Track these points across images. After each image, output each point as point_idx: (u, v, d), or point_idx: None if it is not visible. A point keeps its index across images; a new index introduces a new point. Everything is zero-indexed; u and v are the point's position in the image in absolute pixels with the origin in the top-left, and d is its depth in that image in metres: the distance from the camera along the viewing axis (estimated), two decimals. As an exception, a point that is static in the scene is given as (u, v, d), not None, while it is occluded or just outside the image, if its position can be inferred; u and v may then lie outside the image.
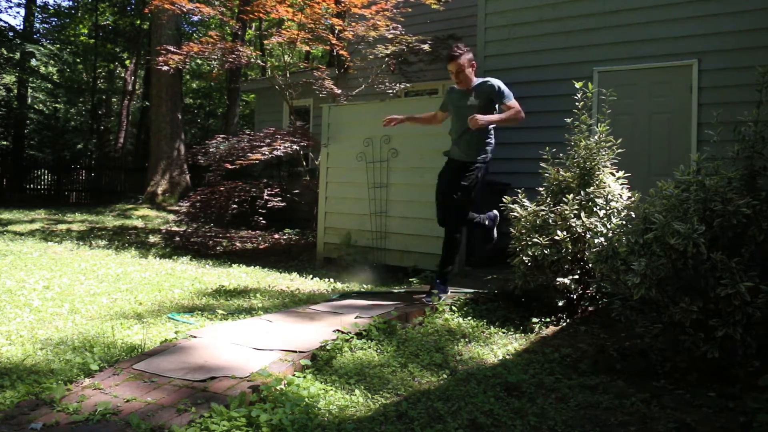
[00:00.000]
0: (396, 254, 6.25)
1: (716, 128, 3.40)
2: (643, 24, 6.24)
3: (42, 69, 24.91)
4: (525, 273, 4.28)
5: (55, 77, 25.15)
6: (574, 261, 4.20)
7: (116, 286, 5.24)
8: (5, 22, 24.42)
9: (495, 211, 4.81)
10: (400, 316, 4.01)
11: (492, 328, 4.07)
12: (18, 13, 40.64)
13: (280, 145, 7.62)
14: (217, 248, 8.09)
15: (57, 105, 25.53)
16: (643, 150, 6.13)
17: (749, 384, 2.84)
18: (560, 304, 4.23)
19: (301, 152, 8.54)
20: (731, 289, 2.82)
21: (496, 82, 4.42)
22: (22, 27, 21.67)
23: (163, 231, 9.17)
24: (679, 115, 6.05)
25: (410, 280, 5.51)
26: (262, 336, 3.49)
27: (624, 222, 4.09)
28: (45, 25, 24.53)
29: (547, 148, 4.63)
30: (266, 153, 7.55)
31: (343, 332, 3.52)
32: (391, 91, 9.26)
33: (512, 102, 4.39)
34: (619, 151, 4.41)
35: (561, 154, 4.57)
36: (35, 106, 24.24)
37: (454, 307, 4.39)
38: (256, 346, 3.28)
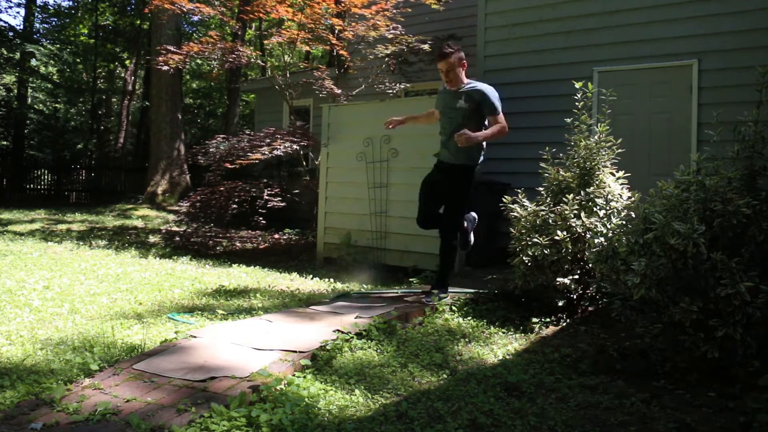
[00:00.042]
0: (396, 254, 6.25)
1: (716, 128, 3.40)
2: (643, 24, 6.24)
3: (42, 69, 24.91)
4: (525, 273, 4.28)
5: (55, 77, 25.15)
6: (574, 261, 4.20)
7: (116, 286, 5.24)
8: (5, 22, 24.44)
9: (474, 213, 4.70)
10: (400, 316, 4.01)
11: (492, 328, 4.07)
12: (18, 13, 40.66)
13: (280, 145, 7.62)
14: (217, 248, 8.09)
15: (57, 105, 25.54)
16: (643, 150, 6.13)
17: (749, 384, 2.84)
18: (560, 304, 4.23)
19: (301, 152, 8.55)
20: (731, 289, 2.82)
21: (488, 91, 4.31)
22: (22, 27, 21.67)
23: (163, 231, 9.17)
24: (679, 115, 6.04)
25: (410, 280, 5.51)
26: (262, 336, 3.49)
27: (624, 222, 4.09)
28: (45, 25, 24.57)
29: (547, 148, 4.63)
30: (266, 153, 7.55)
31: (343, 332, 3.52)
32: (391, 91, 9.26)
33: (500, 117, 4.28)
34: (619, 151, 4.41)
35: (561, 154, 4.57)
36: (35, 106, 24.24)
37: (454, 307, 4.39)
38: (256, 346, 3.28)
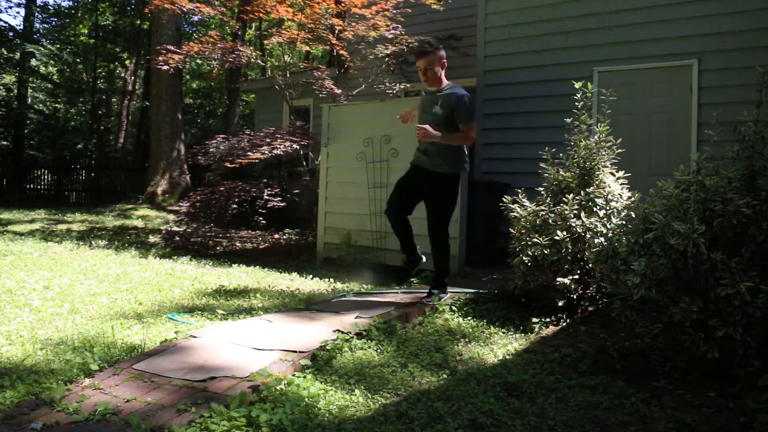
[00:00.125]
0: (396, 254, 6.23)
1: (716, 128, 3.40)
2: (643, 24, 6.25)
3: (42, 69, 24.92)
4: (525, 273, 4.28)
5: (55, 77, 25.16)
6: (574, 261, 4.20)
7: (116, 286, 5.24)
8: (5, 22, 24.46)
9: (423, 257, 4.63)
10: (400, 316, 4.01)
11: (492, 328, 4.07)
12: (18, 13, 40.70)
13: (280, 145, 7.62)
14: (217, 248, 8.09)
15: (57, 105, 25.55)
16: (643, 150, 6.13)
17: (749, 384, 2.84)
18: (560, 304, 4.23)
19: (301, 152, 8.55)
20: (731, 289, 2.81)
21: (462, 95, 4.22)
22: (22, 27, 21.70)
23: (163, 231, 9.16)
24: (679, 115, 6.05)
25: (410, 280, 5.51)
26: (262, 336, 3.49)
27: (624, 222, 4.09)
28: (45, 25, 24.59)
29: (547, 148, 4.63)
30: (266, 152, 7.55)
31: (343, 332, 3.52)
32: (391, 91, 9.26)
33: (470, 126, 4.22)
34: (619, 151, 4.41)
35: (561, 154, 4.57)
36: (35, 106, 24.26)
37: (454, 307, 4.39)
38: (256, 346, 3.28)
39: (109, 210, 13.76)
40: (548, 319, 4.17)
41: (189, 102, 26.91)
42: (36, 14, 22.96)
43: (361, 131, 6.49)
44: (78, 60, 24.65)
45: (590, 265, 4.04)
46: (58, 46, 22.75)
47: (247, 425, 2.41)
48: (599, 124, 4.39)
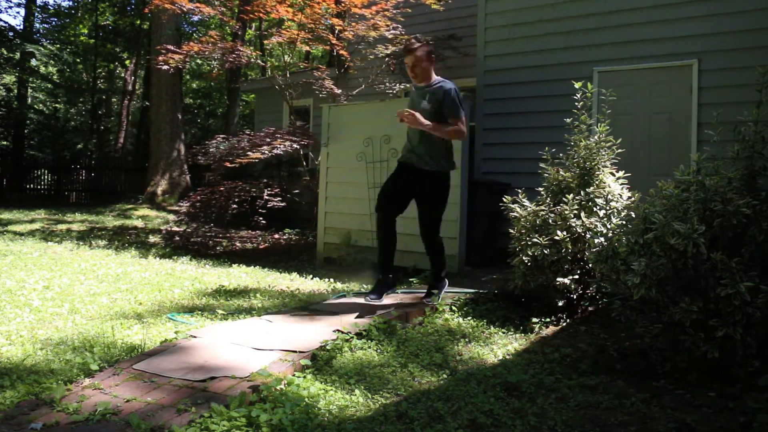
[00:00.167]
0: (396, 254, 6.23)
1: (716, 128, 3.40)
2: (643, 24, 6.24)
3: (42, 69, 24.92)
4: (525, 273, 4.28)
5: (55, 77, 25.16)
6: (574, 261, 4.20)
7: (116, 286, 5.24)
8: (5, 22, 24.49)
9: (396, 289, 4.58)
10: (400, 316, 4.01)
11: (492, 328, 4.07)
12: (18, 13, 40.66)
13: (280, 145, 7.62)
14: (217, 248, 8.09)
15: (57, 105, 25.55)
16: (643, 150, 6.13)
17: (749, 384, 2.84)
18: (560, 304, 4.23)
19: (301, 152, 8.55)
20: (731, 289, 2.81)
21: (449, 88, 4.14)
22: (22, 27, 21.70)
23: (163, 231, 9.16)
24: (679, 115, 6.04)
25: (410, 280, 5.51)
26: (262, 336, 3.49)
27: (624, 222, 4.09)
28: (45, 25, 24.59)
29: (547, 148, 4.63)
30: (266, 152, 7.55)
31: (343, 332, 3.52)
32: (391, 91, 9.26)
33: (460, 120, 4.12)
34: (619, 151, 4.41)
35: (561, 154, 4.57)
36: (35, 106, 24.26)
37: (454, 307, 4.39)
38: (256, 346, 3.28)
39: (109, 210, 13.76)
40: (548, 319, 4.17)
41: (189, 102, 26.91)
42: (36, 14, 22.97)
43: (361, 131, 6.49)
44: (78, 60, 24.65)
45: (590, 265, 4.04)
46: (58, 46, 22.75)
47: (247, 425, 2.41)
48: (599, 124, 4.39)
